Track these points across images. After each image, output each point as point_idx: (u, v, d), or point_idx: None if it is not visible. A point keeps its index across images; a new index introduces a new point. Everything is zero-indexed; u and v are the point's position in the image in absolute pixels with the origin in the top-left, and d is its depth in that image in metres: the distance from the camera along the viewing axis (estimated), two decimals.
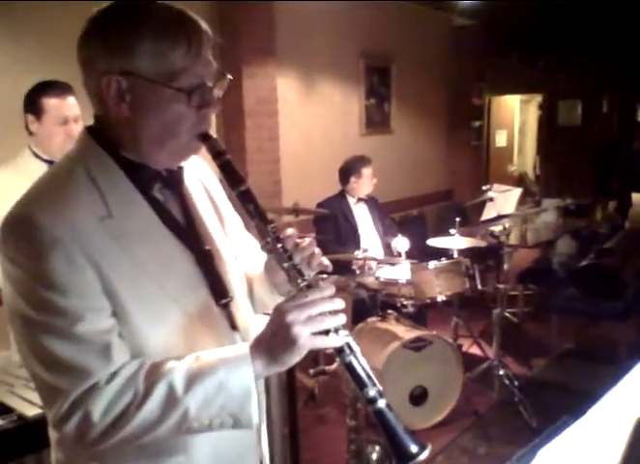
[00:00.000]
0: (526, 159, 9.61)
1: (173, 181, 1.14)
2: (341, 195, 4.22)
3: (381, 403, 0.98)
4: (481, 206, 4.73)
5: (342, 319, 1.00)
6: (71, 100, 2.36)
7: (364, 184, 4.17)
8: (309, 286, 1.03)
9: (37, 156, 2.39)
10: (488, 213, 4.53)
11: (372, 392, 0.98)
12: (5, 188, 2.23)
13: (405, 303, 3.62)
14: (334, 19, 5.21)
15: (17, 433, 1.71)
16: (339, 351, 1.00)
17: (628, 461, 0.87)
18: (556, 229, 5.21)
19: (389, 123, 6.17)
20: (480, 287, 4.22)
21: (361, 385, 0.99)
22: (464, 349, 4.19)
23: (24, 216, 0.98)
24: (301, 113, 5.11)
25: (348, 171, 4.18)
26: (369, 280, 3.78)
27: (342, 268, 3.81)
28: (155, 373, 0.99)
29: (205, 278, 1.12)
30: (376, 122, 5.98)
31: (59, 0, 3.30)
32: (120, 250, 1.01)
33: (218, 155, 1.08)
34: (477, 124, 7.43)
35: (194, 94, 1.03)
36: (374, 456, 2.11)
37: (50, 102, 2.32)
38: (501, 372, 3.67)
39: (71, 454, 1.12)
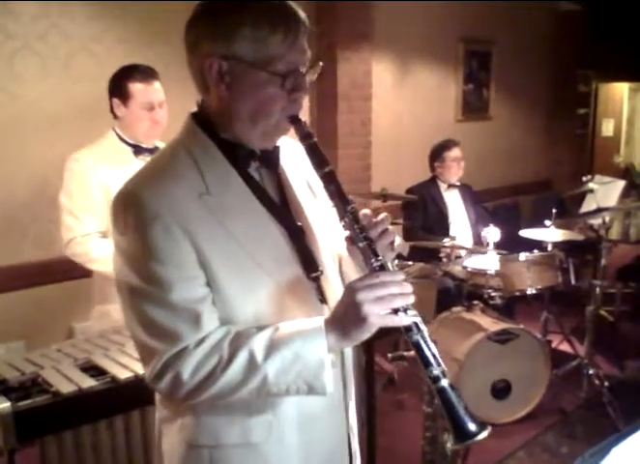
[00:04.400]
0: (634, 149, 9.02)
1: (269, 160, 1.21)
2: (432, 181, 4.17)
3: (443, 382, 1.03)
4: (581, 198, 4.52)
5: (411, 299, 1.05)
6: (156, 85, 2.34)
7: (451, 167, 4.08)
8: (382, 267, 1.08)
9: (121, 139, 2.38)
10: (588, 205, 4.31)
11: (436, 372, 1.03)
12: (88, 168, 2.29)
13: (493, 294, 3.53)
14: (433, 3, 5.10)
15: (109, 394, 1.80)
16: (407, 330, 1.05)
17: None
18: None
19: (487, 109, 5.99)
20: (574, 282, 4.05)
21: (426, 363, 1.04)
22: (553, 345, 4.05)
23: (131, 193, 1.09)
24: (394, 98, 5.07)
25: (434, 156, 4.13)
26: (456, 269, 3.71)
27: (429, 255, 3.76)
28: (238, 340, 1.07)
29: (296, 253, 1.19)
30: (474, 108, 5.83)
31: None
32: (216, 224, 1.09)
33: (305, 137, 1.14)
34: (582, 112, 7.06)
35: (288, 78, 1.10)
36: (449, 444, 2.09)
37: (136, 87, 2.29)
38: (590, 371, 3.51)
39: (173, 411, 1.23)
